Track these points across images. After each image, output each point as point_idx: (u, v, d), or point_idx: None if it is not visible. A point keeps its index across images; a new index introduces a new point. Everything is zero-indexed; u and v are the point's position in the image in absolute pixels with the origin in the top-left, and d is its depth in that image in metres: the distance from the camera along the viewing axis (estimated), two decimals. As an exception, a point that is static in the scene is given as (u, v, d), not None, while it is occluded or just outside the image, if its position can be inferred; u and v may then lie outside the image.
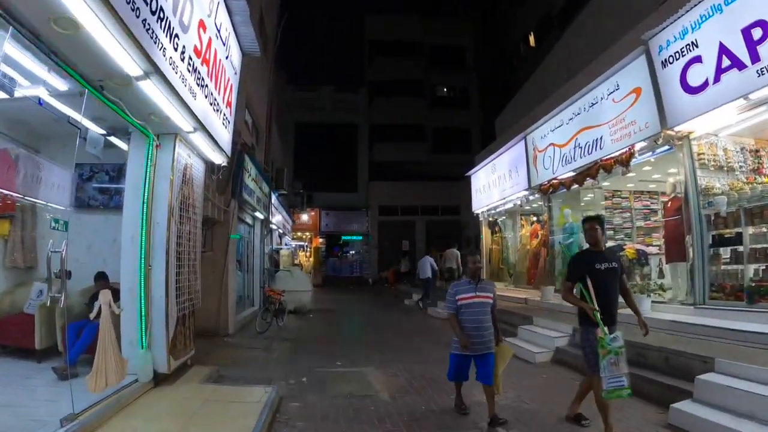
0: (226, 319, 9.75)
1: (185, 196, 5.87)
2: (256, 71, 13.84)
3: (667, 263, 9.14)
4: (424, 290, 15.91)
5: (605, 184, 11.00)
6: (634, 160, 8.43)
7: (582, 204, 11.58)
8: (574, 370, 6.79)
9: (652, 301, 7.87)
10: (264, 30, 15.45)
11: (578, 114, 9.75)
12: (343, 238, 30.75)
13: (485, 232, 15.69)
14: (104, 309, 4.51)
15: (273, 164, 17.02)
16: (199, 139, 5.84)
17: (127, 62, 3.76)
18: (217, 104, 6.02)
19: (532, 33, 27.27)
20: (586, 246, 10.51)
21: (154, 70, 3.93)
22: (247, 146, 10.82)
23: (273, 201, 15.91)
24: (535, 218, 13.52)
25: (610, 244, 10.47)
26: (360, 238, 30.50)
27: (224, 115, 6.40)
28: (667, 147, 8.13)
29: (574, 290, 4.56)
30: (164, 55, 4.11)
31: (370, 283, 27.95)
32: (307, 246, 29.62)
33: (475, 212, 16.03)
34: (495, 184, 14.14)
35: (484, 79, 34.48)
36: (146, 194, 5.35)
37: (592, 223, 4.51)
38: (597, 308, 4.14)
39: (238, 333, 10.04)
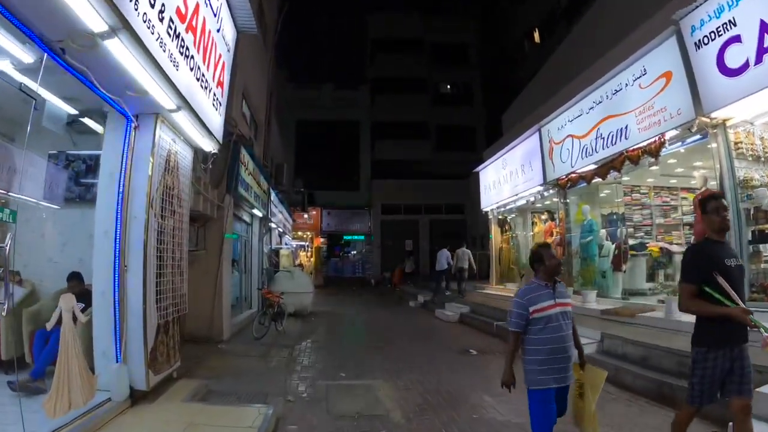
0: (220, 323, 9.04)
1: (169, 186, 5.16)
2: (254, 62, 13.15)
3: (698, 262, 8.42)
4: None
5: (625, 179, 10.32)
6: (663, 150, 7.74)
7: (600, 200, 10.90)
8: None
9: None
10: (263, 20, 14.77)
11: (600, 102, 9.03)
12: (345, 237, 30.03)
13: (494, 231, 14.96)
14: (65, 317, 3.78)
15: (273, 160, 16.31)
16: (184, 121, 5.13)
17: (89, 15, 3.06)
18: (206, 81, 5.30)
19: (536, 28, 26.70)
20: (606, 244, 9.85)
21: (122, 25, 3.22)
22: (244, 138, 10.11)
23: (272, 198, 15.20)
24: (544, 216, 12.77)
25: (630, 242, 9.81)
26: (362, 237, 29.78)
27: (214, 95, 5.69)
28: (698, 136, 7.45)
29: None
30: (136, 9, 3.39)
31: (373, 283, 27.22)
32: (308, 246, 28.93)
33: (484, 210, 15.31)
34: (506, 180, 13.42)
35: (487, 76, 33.80)
36: (123, 184, 4.64)
37: (719, 202, 3.18)
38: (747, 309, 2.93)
39: (233, 339, 9.34)
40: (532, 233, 14.00)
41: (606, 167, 8.76)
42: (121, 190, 4.64)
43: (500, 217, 14.99)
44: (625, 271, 9.14)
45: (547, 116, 10.76)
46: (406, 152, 31.29)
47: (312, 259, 27.45)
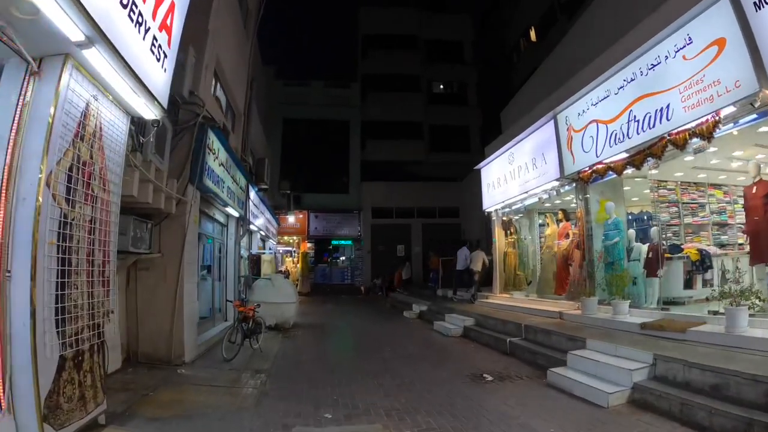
0: (181, 342, 7.51)
1: (84, 160, 3.68)
2: (233, 45, 11.75)
3: (751, 265, 7.11)
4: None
5: (652, 172, 9.01)
6: (717, 130, 6.43)
7: (626, 196, 9.57)
8: (670, 418, 4.69)
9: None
10: (245, 3, 13.40)
11: (632, 80, 7.69)
12: (333, 242, 28.45)
13: (498, 234, 13.57)
14: None
15: (253, 155, 14.81)
16: (107, 69, 3.66)
17: None
18: (140, 15, 3.82)
19: (534, 26, 25.72)
20: (636, 245, 8.48)
21: None
22: (213, 121, 8.62)
23: (252, 197, 13.71)
24: (559, 216, 11.42)
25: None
26: (351, 242, 28.25)
27: (155, 39, 4.20)
28: (755, 115, 6.21)
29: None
30: None
31: (363, 291, 25.71)
32: (294, 251, 27.38)
33: (487, 210, 13.91)
34: (513, 176, 12.04)
35: (483, 75, 32.76)
36: (7, 151, 3.17)
37: None
38: None
39: (199, 360, 7.83)
40: (542, 236, 12.66)
41: (642, 154, 7.40)
42: (4, 159, 3.17)
43: (505, 218, 13.60)
44: (661, 277, 7.78)
45: (565, 101, 9.40)
46: (399, 153, 29.96)
47: (298, 265, 25.88)
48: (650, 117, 7.25)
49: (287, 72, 30.89)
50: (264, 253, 16.05)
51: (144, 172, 5.95)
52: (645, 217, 10.35)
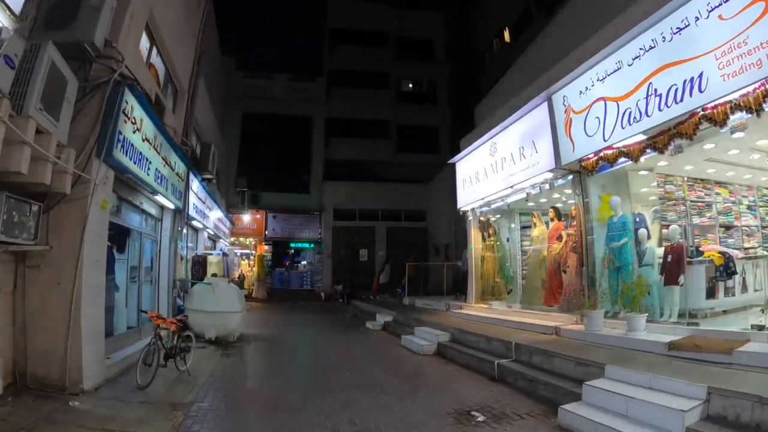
0: (79, 364, 5.69)
1: None
2: (176, 4, 10.00)
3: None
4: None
5: (661, 164, 7.77)
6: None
7: (631, 189, 8.26)
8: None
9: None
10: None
11: (651, 48, 6.38)
12: (292, 245, 26.48)
13: (475, 236, 12.16)
14: None
15: (201, 141, 12.93)
16: None
17: None
18: None
19: (508, 26, 24.85)
20: (647, 246, 7.16)
21: None
22: (135, 81, 6.83)
23: (196, 189, 11.87)
24: (550, 215, 10.09)
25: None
26: (312, 245, 26.34)
27: None
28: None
29: None
30: None
31: (323, 297, 23.89)
32: (251, 254, 25.35)
33: (462, 209, 12.49)
34: (495, 169, 10.66)
35: (455, 75, 31.67)
36: None
37: None
38: None
39: (106, 387, 6.01)
40: (525, 239, 11.32)
41: (667, 135, 6.08)
42: None
43: (482, 218, 12.21)
44: (682, 285, 6.45)
45: (562, 78, 8.05)
46: (364, 152, 28.33)
47: (255, 269, 23.88)
48: (676, 89, 5.94)
49: (249, 64, 28.79)
50: (211, 254, 14.12)
51: (13, 129, 4.17)
52: (636, 219, 9.13)
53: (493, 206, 11.47)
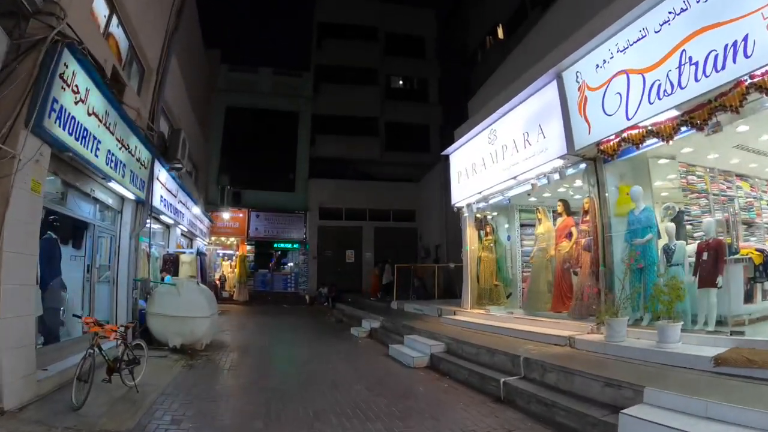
0: (-6, 381, 4.61)
1: None
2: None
3: None
4: None
5: (685, 150, 6.86)
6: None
7: (653, 179, 7.33)
8: None
9: None
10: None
11: (682, 11, 5.44)
12: (276, 245, 25.30)
13: (470, 234, 11.19)
14: None
15: (172, 128, 11.79)
16: None
17: None
18: None
19: (501, 23, 24.08)
20: (678, 244, 5.87)
21: None
22: (76, 40, 5.73)
23: (165, 181, 10.77)
24: (558, 209, 9.11)
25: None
26: (296, 246, 25.18)
27: None
28: None
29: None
30: None
31: (307, 300, 22.77)
32: (234, 255, 24.14)
33: (456, 205, 11.51)
34: (495, 159, 9.69)
35: (446, 72, 30.82)
36: None
37: None
38: None
39: (34, 406, 4.95)
40: (528, 237, 10.37)
41: (707, 108, 5.12)
42: None
43: (479, 215, 11.24)
44: (720, 287, 5.50)
45: (575, 52, 7.08)
46: (351, 150, 27.28)
47: (236, 270, 22.69)
48: (716, 56, 5.00)
49: (233, 57, 27.66)
50: (184, 253, 12.98)
51: None
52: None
53: (491, 201, 10.48)
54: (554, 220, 9.13)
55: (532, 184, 8.67)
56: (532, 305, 9.18)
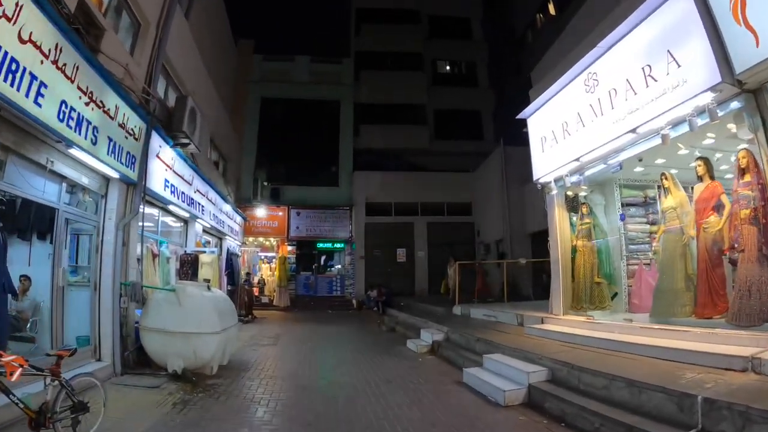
0: None
1: None
2: None
3: None
4: None
5: None
6: None
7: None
8: None
9: None
10: None
11: None
12: (319, 246, 23.21)
13: (560, 219, 8.54)
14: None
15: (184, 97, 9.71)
16: None
17: None
18: None
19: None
20: None
21: None
22: None
23: (170, 160, 8.73)
24: (699, 169, 6.40)
25: None
26: (342, 245, 23.02)
27: None
28: None
29: None
30: None
31: (354, 305, 20.55)
32: (273, 257, 22.27)
33: (540, 181, 8.85)
34: (599, 111, 7.04)
35: (495, 55, 28.12)
36: None
37: None
38: None
39: None
40: (660, 210, 7.66)
41: None
42: None
43: (569, 192, 8.59)
44: None
45: None
46: (398, 140, 24.93)
47: (276, 273, 20.75)
48: None
49: (268, 46, 26.08)
50: (205, 252, 10.96)
51: None
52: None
53: (588, 172, 7.82)
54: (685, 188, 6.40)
55: (662, 136, 5.97)
56: (663, 309, 6.48)
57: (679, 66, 5.51)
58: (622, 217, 8.07)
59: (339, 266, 23.68)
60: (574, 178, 8.03)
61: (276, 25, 29.40)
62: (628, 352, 5.72)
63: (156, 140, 7.83)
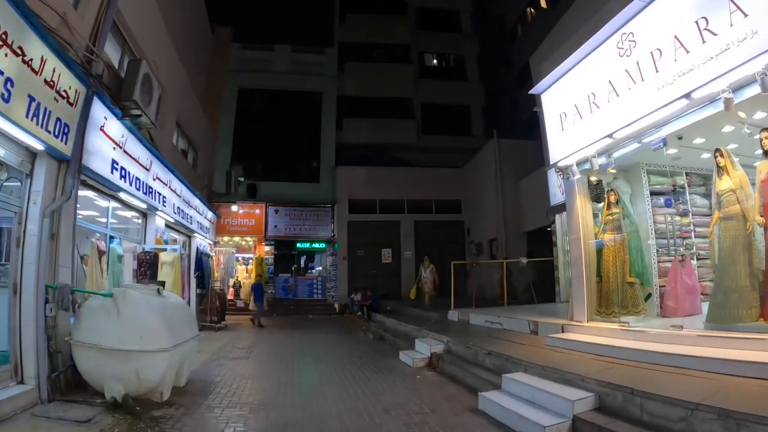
0: None
1: None
2: None
3: None
4: None
5: None
6: None
7: None
8: None
9: None
10: None
11: None
12: (299, 245, 21.75)
13: (581, 208, 7.33)
14: None
15: (136, 60, 8.22)
16: None
17: None
18: None
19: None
20: None
21: None
22: None
23: (120, 137, 7.29)
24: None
25: None
26: (323, 245, 21.59)
27: None
28: None
29: None
30: None
31: (337, 310, 19.16)
32: (250, 258, 20.75)
33: (560, 163, 7.56)
34: (637, 77, 5.82)
35: (485, 48, 27.21)
36: None
37: None
38: None
39: None
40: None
41: None
42: None
43: (592, 178, 7.40)
44: None
45: None
46: (384, 134, 23.81)
47: (252, 275, 19.22)
48: None
49: (247, 34, 24.59)
50: (166, 250, 9.48)
51: None
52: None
53: (620, 152, 6.64)
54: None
55: (725, 101, 4.80)
56: (724, 313, 5.29)
57: (745, 15, 4.38)
58: (669, 203, 6.90)
59: (320, 268, 22.27)
60: (602, 160, 6.83)
61: (256, 12, 27.89)
62: (687, 367, 4.58)
63: (100, 109, 6.37)
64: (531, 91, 8.05)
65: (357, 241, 21.00)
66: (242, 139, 21.72)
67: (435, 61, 27.75)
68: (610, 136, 6.32)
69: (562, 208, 11.90)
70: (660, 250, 7.27)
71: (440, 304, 12.92)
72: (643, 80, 5.80)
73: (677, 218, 7.64)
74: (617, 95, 6.21)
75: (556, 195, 12.11)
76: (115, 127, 6.99)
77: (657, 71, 5.58)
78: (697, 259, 7.36)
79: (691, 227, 7.66)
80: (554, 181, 12.32)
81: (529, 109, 21.74)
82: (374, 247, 21.07)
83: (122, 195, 7.64)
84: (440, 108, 25.43)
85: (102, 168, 6.62)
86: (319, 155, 22.49)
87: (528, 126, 22.28)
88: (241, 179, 19.86)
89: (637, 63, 5.88)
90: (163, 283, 6.95)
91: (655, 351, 5.15)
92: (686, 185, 7.66)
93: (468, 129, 25.36)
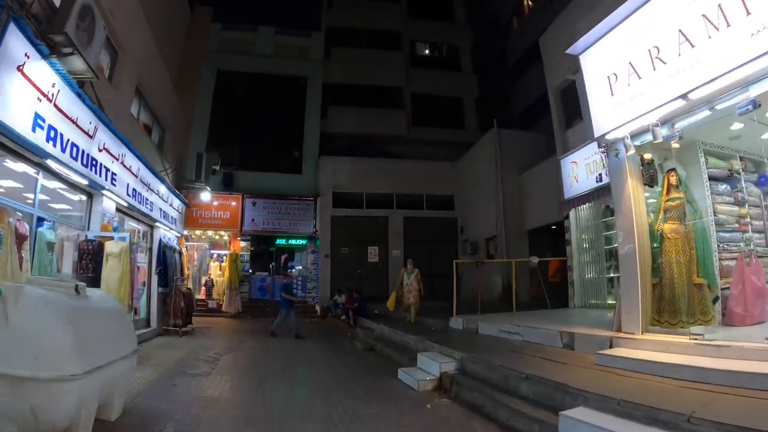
0: None
1: None
2: None
3: None
4: None
5: None
6: None
7: None
8: None
9: None
10: None
11: None
12: (278, 242, 20.04)
13: (633, 190, 5.90)
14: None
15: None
16: None
17: None
18: None
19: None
20: None
21: None
22: None
23: (50, 89, 5.60)
24: None
25: None
26: (305, 242, 19.93)
27: None
28: None
29: None
30: None
31: (318, 312, 17.53)
32: (224, 255, 18.98)
33: (609, 136, 6.07)
34: (722, 23, 4.44)
35: (480, 39, 25.98)
36: None
37: None
38: None
39: None
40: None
41: None
42: None
43: (646, 156, 5.99)
44: None
45: None
46: (371, 125, 22.29)
47: (226, 274, 17.46)
48: None
49: (229, 14, 22.87)
50: (114, 239, 7.79)
51: None
52: None
53: (687, 120, 5.25)
54: None
55: None
56: None
57: None
58: (763, 181, 5.52)
59: (300, 266, 20.56)
60: (664, 131, 5.40)
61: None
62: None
63: (19, 42, 4.72)
64: (568, 51, 6.57)
65: (341, 238, 19.39)
66: (219, 124, 19.96)
67: (427, 51, 26.46)
68: (683, 96, 4.88)
69: (578, 201, 10.59)
70: (721, 245, 5.92)
71: (439, 308, 11.42)
72: (729, 25, 4.40)
73: (735, 208, 6.35)
74: (692, 46, 4.78)
75: (572, 186, 10.75)
76: (42, 72, 5.31)
77: (748, 13, 4.21)
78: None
79: (748, 219, 6.40)
80: (568, 171, 10.97)
81: (525, 102, 20.87)
82: (360, 244, 19.50)
83: (51, 163, 5.94)
84: (432, 99, 24.05)
85: (19, 122, 4.95)
86: (302, 144, 20.82)
87: (523, 120, 21.12)
88: (216, 167, 18.04)
89: (719, 6, 4.47)
90: (92, 280, 5.28)
91: (757, 372, 3.75)
92: (740, 170, 6.37)
93: (460, 122, 24.02)
